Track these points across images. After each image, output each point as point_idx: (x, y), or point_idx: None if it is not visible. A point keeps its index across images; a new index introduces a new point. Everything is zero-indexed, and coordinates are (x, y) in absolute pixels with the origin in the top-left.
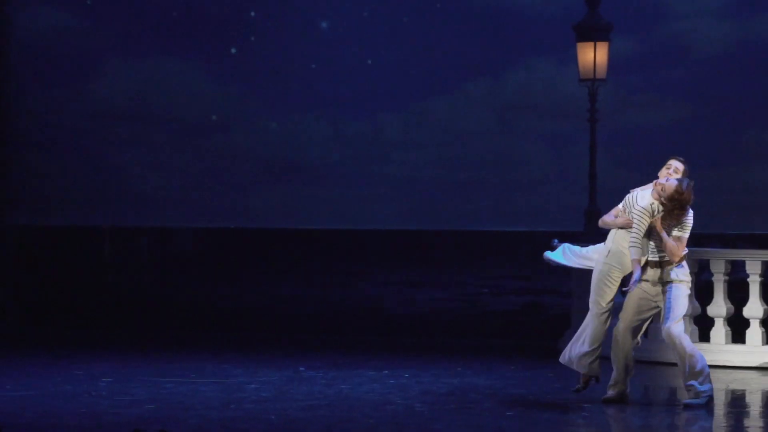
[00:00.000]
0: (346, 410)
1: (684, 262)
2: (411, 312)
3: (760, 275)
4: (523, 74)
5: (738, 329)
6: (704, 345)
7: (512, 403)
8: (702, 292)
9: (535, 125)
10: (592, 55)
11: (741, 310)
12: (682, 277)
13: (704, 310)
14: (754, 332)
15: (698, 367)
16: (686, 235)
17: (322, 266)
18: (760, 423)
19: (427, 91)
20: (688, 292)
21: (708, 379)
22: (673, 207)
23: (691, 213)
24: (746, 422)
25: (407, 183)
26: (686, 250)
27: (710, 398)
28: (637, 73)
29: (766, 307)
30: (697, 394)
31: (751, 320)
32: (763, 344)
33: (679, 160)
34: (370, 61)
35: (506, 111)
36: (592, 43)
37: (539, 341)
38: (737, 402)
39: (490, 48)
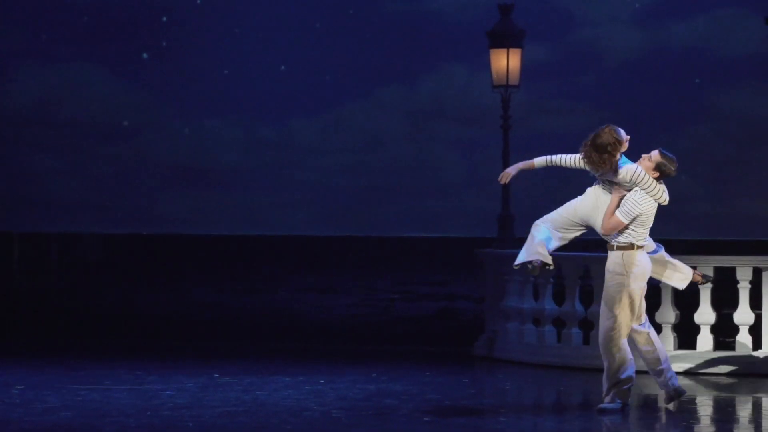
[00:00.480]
0: (264, 416)
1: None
2: (324, 318)
3: None
4: (436, 80)
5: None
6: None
7: (429, 408)
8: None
9: (449, 131)
10: (505, 62)
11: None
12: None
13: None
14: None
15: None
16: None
17: (234, 272)
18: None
19: (341, 96)
20: None
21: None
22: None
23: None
24: (658, 427)
25: (320, 188)
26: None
27: (625, 403)
28: (550, 79)
29: (677, 312)
30: (613, 399)
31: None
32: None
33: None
34: (283, 67)
35: (420, 117)
36: (505, 50)
37: (453, 347)
38: (652, 406)
39: (403, 54)
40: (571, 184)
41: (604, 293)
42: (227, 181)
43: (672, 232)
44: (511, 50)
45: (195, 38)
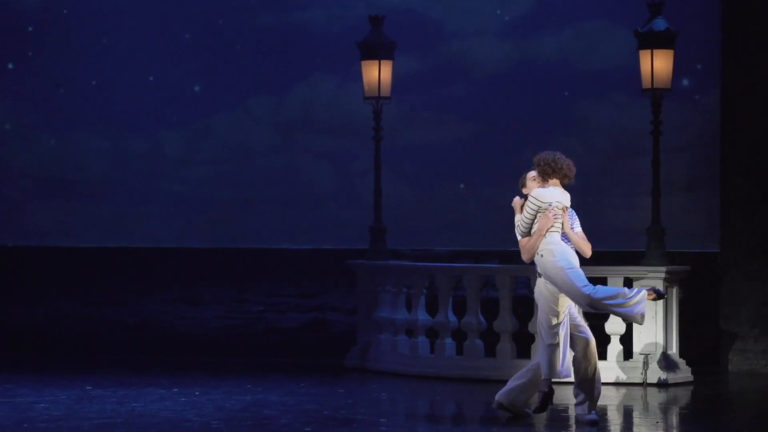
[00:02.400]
0: (142, 428)
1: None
2: (193, 330)
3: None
4: (307, 91)
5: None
6: (492, 360)
7: (309, 419)
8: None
9: (320, 142)
10: (377, 73)
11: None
12: None
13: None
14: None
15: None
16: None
17: (102, 284)
18: None
19: (210, 107)
20: None
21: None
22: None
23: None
24: None
25: (189, 200)
26: None
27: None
28: (421, 91)
29: (515, 320)
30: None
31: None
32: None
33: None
34: (151, 78)
35: (290, 128)
36: (376, 61)
37: (325, 358)
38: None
39: (274, 65)
40: (443, 199)
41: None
42: (95, 193)
43: None
44: (382, 61)
45: (62, 48)
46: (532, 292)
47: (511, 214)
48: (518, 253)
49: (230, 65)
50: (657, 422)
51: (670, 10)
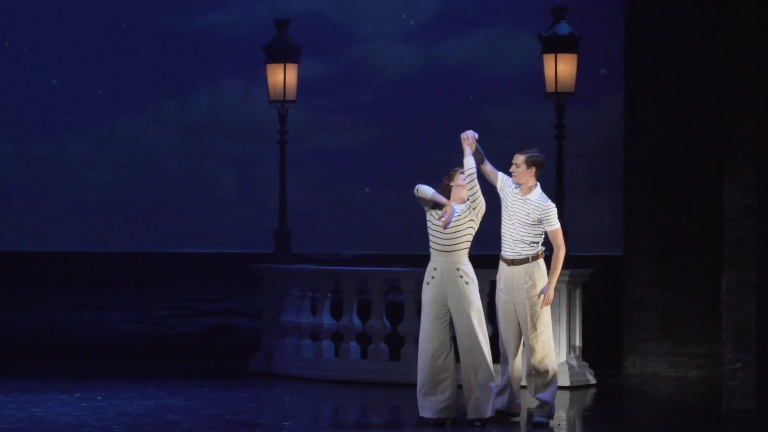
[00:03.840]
0: None
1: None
2: (97, 335)
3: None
4: (212, 95)
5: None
6: (396, 363)
7: (212, 423)
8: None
9: (224, 147)
10: (282, 77)
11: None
12: None
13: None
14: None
15: None
16: None
17: (5, 290)
18: None
19: (115, 111)
20: None
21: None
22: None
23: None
24: None
25: (93, 204)
26: None
27: None
28: (326, 95)
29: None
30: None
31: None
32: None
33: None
34: (54, 81)
35: (195, 132)
36: (281, 65)
37: (230, 363)
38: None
39: (179, 69)
40: (349, 203)
41: (529, 310)
42: None
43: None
44: (287, 65)
45: None
46: None
47: (416, 218)
48: (422, 257)
49: (134, 69)
50: (559, 425)
51: (574, 15)
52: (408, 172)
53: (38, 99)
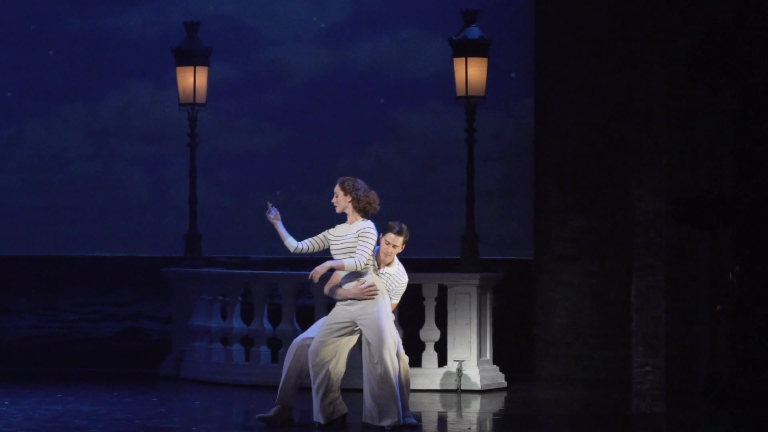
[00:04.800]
0: None
1: None
2: (4, 339)
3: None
4: (121, 98)
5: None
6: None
7: (120, 428)
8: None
9: (133, 150)
10: (192, 80)
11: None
12: None
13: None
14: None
15: None
16: None
17: None
18: None
19: (22, 114)
20: None
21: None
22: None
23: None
24: None
25: (2, 207)
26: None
27: None
28: (237, 98)
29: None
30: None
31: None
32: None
33: (395, 233)
34: None
35: (103, 135)
36: (191, 68)
37: (139, 368)
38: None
39: (87, 71)
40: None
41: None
42: None
43: None
44: (197, 68)
45: None
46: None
47: (324, 221)
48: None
49: (43, 71)
50: (469, 428)
51: (485, 19)
52: (319, 176)
53: None
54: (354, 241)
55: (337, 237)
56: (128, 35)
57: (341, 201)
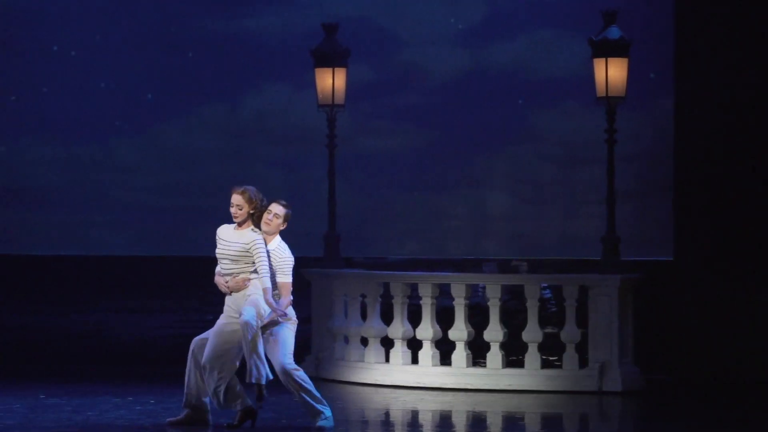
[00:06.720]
0: None
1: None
2: (141, 339)
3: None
4: (259, 100)
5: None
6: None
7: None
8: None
9: (272, 151)
10: (331, 81)
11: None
12: None
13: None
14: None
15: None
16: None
17: (50, 294)
18: None
19: (162, 115)
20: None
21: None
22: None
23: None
24: None
25: (139, 208)
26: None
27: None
28: (375, 99)
29: (470, 329)
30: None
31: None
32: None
33: (281, 204)
34: (103, 85)
35: (242, 136)
36: (330, 69)
37: None
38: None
39: (226, 73)
40: (395, 205)
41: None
42: (44, 201)
43: (495, 251)
44: (336, 69)
45: (12, 55)
46: (486, 300)
47: (461, 222)
48: (471, 261)
49: (182, 73)
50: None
51: (624, 19)
52: (455, 177)
53: (86, 103)
54: (242, 251)
55: (224, 241)
56: (266, 37)
57: (245, 211)
